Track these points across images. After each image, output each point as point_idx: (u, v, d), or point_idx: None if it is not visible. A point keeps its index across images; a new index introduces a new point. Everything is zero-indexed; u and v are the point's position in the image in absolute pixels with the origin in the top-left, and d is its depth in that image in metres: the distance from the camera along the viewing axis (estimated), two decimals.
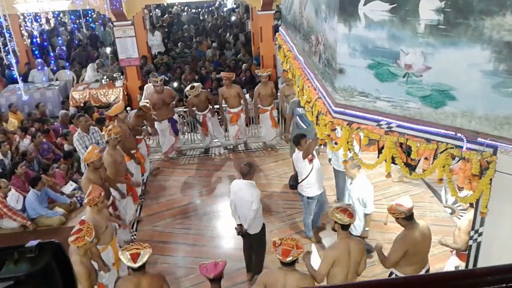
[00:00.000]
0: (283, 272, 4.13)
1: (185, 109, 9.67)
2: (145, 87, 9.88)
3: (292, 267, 4.13)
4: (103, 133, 6.69)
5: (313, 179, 6.10)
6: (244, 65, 12.07)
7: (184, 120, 9.70)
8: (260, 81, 8.86)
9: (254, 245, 5.82)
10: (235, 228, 5.75)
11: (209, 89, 10.21)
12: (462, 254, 4.97)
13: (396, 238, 4.63)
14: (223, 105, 9.02)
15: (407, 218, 4.49)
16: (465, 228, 4.86)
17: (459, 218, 5.48)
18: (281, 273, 4.15)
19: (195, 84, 8.77)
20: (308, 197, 6.22)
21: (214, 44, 14.42)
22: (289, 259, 4.02)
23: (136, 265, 4.19)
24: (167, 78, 11.19)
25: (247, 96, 9.74)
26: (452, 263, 5.21)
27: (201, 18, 19.12)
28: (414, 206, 6.88)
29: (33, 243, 0.83)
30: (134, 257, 4.18)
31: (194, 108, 8.81)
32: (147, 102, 8.00)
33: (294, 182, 6.33)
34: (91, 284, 4.68)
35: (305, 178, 6.09)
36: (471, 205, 4.86)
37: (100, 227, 5.22)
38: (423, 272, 4.67)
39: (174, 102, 8.71)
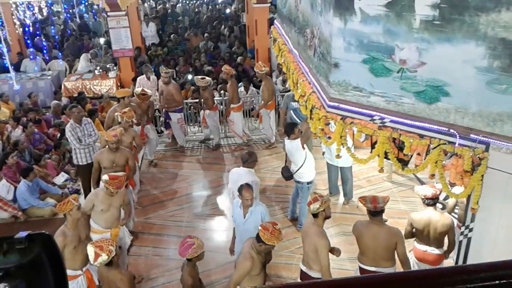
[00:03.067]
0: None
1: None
2: (138, 79, 9.81)
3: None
4: (117, 114, 6.80)
5: (310, 163, 6.20)
6: (239, 58, 12.02)
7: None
8: (254, 75, 8.84)
9: None
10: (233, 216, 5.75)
11: None
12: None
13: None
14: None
15: (371, 213, 4.61)
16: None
17: (453, 216, 5.52)
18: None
19: (207, 77, 8.79)
20: (308, 182, 6.29)
21: (207, 35, 14.32)
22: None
23: (94, 264, 4.44)
24: (174, 75, 11.13)
25: (241, 89, 9.69)
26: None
27: (195, 10, 18.97)
28: (406, 201, 6.98)
29: (22, 234, 0.82)
30: (96, 257, 4.37)
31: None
32: (142, 90, 8.08)
33: (289, 173, 6.37)
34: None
35: (302, 165, 6.13)
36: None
37: (103, 205, 5.36)
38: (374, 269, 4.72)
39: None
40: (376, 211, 4.56)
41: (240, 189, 5.05)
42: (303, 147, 6.10)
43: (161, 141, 9.36)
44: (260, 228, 4.29)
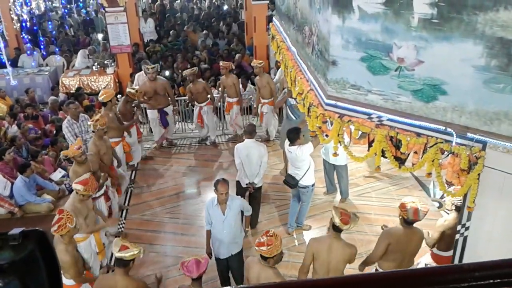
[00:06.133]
0: (261, 266, 4.13)
1: (176, 98, 9.64)
2: (136, 75, 9.78)
3: (268, 263, 4.09)
4: (89, 123, 6.49)
5: (313, 166, 6.10)
6: (237, 55, 12.00)
7: (175, 108, 9.62)
8: (252, 72, 8.80)
9: (253, 200, 6.27)
10: (247, 185, 6.21)
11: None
12: (434, 253, 5.02)
13: (382, 232, 4.68)
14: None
15: (406, 222, 4.47)
16: (438, 227, 4.89)
17: (447, 213, 5.54)
18: (259, 266, 4.14)
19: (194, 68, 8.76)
20: (312, 185, 6.18)
21: (206, 32, 14.29)
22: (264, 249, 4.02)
23: (116, 254, 4.16)
24: (159, 69, 11.00)
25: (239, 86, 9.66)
26: (424, 260, 5.25)
27: (194, 6, 18.91)
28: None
29: (16, 230, 0.81)
30: (123, 248, 4.17)
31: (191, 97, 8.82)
32: (133, 89, 7.95)
33: (295, 181, 6.09)
34: (78, 271, 4.65)
35: (308, 170, 5.99)
36: (456, 209, 4.86)
37: (81, 215, 5.17)
38: None
39: (168, 94, 8.61)
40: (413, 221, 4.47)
41: (216, 184, 5.00)
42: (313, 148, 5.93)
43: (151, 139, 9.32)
44: (256, 248, 4.11)
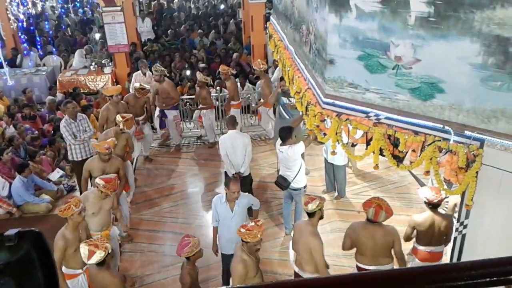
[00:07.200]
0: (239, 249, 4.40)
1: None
2: (133, 74, 9.77)
3: (243, 248, 4.34)
4: (119, 118, 6.62)
5: (304, 167, 6.07)
6: (235, 54, 11.98)
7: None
8: (250, 71, 8.81)
9: (242, 190, 6.07)
10: (233, 176, 6.10)
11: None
12: (414, 246, 5.09)
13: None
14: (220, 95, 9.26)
15: (367, 219, 4.58)
16: (408, 222, 4.99)
17: (445, 210, 5.55)
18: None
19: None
20: (304, 187, 6.11)
21: (202, 32, 14.27)
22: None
23: (87, 262, 4.29)
24: (167, 74, 10.88)
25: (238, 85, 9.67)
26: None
27: (191, 5, 18.89)
28: (401, 198, 7.02)
29: (12, 231, 0.81)
30: (90, 254, 4.24)
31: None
32: (140, 85, 8.04)
33: (287, 182, 6.01)
34: (58, 259, 4.68)
35: (299, 171, 5.93)
36: (430, 207, 4.85)
37: (90, 210, 5.22)
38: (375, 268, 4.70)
39: (172, 98, 8.62)
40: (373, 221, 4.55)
41: (228, 183, 5.05)
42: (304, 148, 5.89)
43: (156, 138, 9.33)
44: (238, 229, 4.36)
